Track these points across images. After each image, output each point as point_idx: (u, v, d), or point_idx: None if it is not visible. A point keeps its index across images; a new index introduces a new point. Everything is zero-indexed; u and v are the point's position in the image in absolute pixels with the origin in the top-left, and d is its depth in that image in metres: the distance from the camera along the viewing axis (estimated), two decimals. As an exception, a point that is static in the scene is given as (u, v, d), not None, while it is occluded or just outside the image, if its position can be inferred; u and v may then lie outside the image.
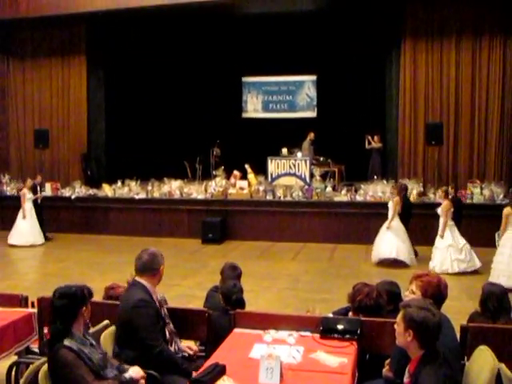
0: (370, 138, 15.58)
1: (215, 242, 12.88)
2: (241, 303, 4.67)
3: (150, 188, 14.41)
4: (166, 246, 12.74)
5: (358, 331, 4.03)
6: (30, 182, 13.51)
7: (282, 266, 10.82)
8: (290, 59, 17.37)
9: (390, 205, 10.83)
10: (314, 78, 18.88)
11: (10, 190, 15.38)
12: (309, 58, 17.27)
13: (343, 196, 13.34)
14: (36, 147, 16.18)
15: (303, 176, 13.84)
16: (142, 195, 14.27)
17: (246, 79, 19.53)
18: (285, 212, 12.91)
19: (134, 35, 16.45)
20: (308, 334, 4.17)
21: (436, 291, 3.78)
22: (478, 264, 10.06)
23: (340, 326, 4.08)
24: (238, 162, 14.49)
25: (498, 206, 12.18)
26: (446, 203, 10.28)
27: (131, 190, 14.46)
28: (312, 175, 13.96)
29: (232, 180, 14.10)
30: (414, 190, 12.84)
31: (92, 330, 4.05)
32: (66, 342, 3.44)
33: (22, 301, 4.96)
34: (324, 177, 14.39)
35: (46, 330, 4.77)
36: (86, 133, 16.38)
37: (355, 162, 15.47)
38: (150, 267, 4.15)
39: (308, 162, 14.09)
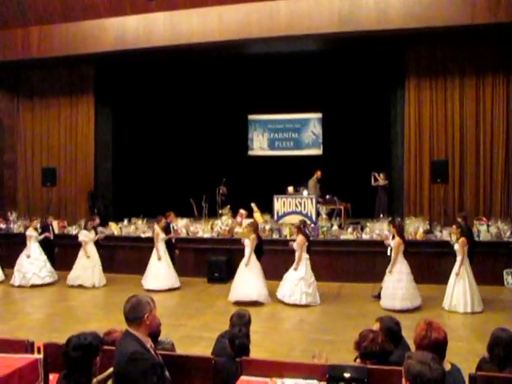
0: (376, 175, 15.63)
1: (221, 281, 12.83)
2: (244, 348, 4.62)
3: (156, 226, 14.41)
4: (171, 285, 12.71)
5: (366, 379, 4.00)
6: (163, 221, 12.59)
7: (287, 305, 10.75)
8: (295, 97, 17.58)
9: (247, 243, 11.15)
10: (319, 115, 19.05)
11: (17, 227, 15.37)
12: (314, 95, 17.46)
13: (349, 234, 13.26)
14: (44, 185, 16.29)
15: (309, 214, 13.83)
16: (149, 234, 14.27)
17: (252, 117, 19.73)
18: (291, 251, 12.88)
19: (141, 74, 16.73)
20: (315, 382, 4.13)
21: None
22: (318, 300, 10.81)
23: (347, 374, 4.04)
24: (244, 201, 14.50)
25: (505, 244, 12.19)
26: (300, 238, 10.85)
27: (138, 228, 14.47)
28: (318, 213, 13.95)
29: (238, 219, 14.09)
30: (420, 227, 12.80)
31: (98, 377, 3.99)
32: None
33: (27, 346, 4.93)
34: (330, 215, 14.37)
35: (51, 377, 4.74)
36: (93, 171, 16.58)
37: (361, 200, 15.47)
38: (132, 317, 3.94)
39: (314, 201, 14.08)
